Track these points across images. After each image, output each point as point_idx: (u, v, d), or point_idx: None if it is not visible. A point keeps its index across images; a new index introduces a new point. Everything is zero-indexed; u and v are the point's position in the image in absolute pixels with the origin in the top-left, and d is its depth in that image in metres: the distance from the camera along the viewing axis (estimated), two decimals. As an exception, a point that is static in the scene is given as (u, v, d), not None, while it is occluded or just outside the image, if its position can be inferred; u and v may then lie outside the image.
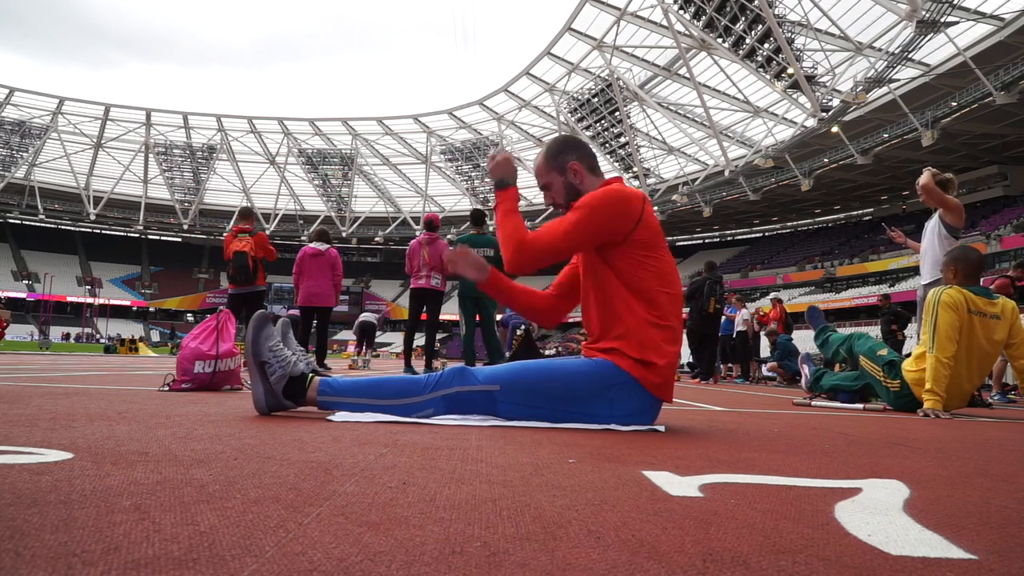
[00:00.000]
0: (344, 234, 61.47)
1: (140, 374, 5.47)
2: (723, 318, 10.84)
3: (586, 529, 0.77)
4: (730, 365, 12.20)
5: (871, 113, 33.74)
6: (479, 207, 9.08)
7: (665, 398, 2.04)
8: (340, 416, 1.97)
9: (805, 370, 4.52)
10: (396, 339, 48.93)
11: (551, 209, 2.35)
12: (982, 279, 3.78)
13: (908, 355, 3.95)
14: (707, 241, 62.43)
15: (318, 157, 58.56)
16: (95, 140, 56.83)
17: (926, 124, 31.09)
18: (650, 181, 47.79)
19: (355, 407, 2.05)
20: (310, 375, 2.06)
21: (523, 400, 2.00)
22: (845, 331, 4.67)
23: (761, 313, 13.12)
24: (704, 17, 32.52)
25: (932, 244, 4.80)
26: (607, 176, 2.17)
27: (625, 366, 1.97)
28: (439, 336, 31.42)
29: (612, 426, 1.96)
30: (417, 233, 7.83)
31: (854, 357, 4.00)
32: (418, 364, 7.76)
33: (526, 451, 1.43)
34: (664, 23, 35.37)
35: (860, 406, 3.79)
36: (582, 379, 1.99)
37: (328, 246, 7.52)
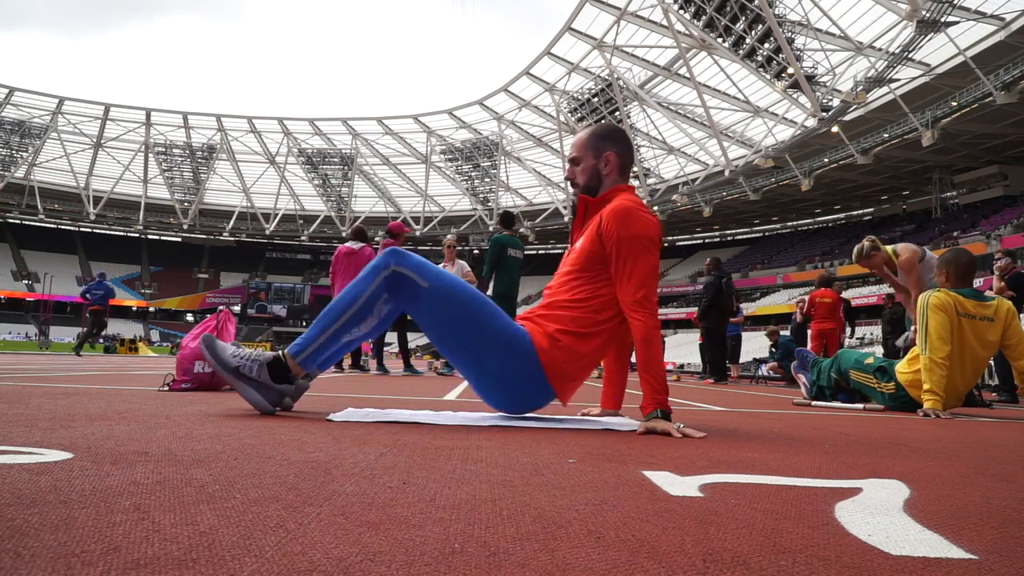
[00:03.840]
0: (344, 234, 61.47)
1: (140, 374, 5.47)
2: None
3: (586, 529, 0.77)
4: (728, 365, 12.20)
5: (871, 113, 33.75)
6: (508, 210, 9.64)
7: (560, 395, 2.05)
8: (340, 416, 1.97)
9: (803, 379, 4.48)
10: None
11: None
12: (982, 279, 3.81)
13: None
14: (707, 241, 62.46)
15: (318, 157, 58.51)
16: (95, 140, 56.81)
17: (926, 124, 31.10)
18: (650, 181, 47.78)
19: (330, 342, 2.00)
20: (281, 354, 2.03)
21: (442, 308, 1.98)
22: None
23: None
24: (704, 17, 32.51)
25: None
26: (629, 183, 2.16)
27: (536, 338, 1.98)
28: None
29: (612, 426, 1.97)
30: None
31: (844, 375, 4.04)
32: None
33: (526, 451, 1.43)
34: (664, 23, 35.35)
35: (860, 406, 3.80)
36: (498, 324, 1.98)
37: (363, 244, 7.42)
